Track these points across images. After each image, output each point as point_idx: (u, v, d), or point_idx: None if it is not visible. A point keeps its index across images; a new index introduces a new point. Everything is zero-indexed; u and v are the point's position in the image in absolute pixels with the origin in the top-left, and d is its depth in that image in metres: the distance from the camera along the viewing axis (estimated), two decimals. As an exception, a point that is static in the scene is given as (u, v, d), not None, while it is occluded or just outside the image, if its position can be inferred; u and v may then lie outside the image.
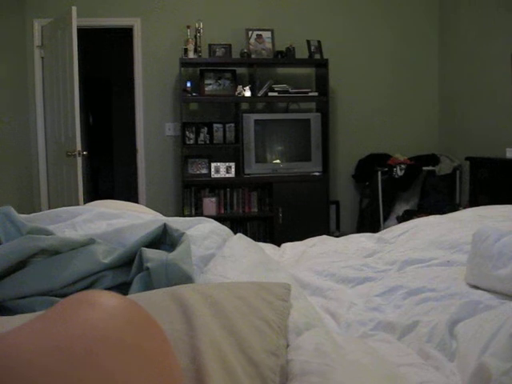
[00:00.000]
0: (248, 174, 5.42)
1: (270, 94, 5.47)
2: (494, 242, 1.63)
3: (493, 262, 1.59)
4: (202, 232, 1.60)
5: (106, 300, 0.62)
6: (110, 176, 8.48)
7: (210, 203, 5.42)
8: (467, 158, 5.13)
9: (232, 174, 5.47)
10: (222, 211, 5.49)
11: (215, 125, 5.53)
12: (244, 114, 5.46)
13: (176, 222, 1.57)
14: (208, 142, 5.52)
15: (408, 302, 1.59)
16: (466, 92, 5.63)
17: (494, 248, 1.62)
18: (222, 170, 5.46)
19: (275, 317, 1.00)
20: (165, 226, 1.46)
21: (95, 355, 0.54)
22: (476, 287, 1.64)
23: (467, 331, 1.37)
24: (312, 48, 5.58)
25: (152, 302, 0.94)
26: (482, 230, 1.73)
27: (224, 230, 1.76)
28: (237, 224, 5.49)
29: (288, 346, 0.97)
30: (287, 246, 2.49)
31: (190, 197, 5.45)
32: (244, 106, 5.68)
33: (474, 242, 1.71)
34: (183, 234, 1.43)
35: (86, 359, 0.53)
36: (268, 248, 2.36)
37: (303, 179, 5.41)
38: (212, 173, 5.46)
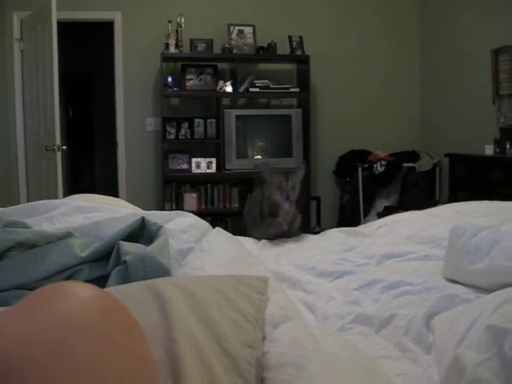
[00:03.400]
0: (229, 170, 5.41)
1: (252, 89, 5.46)
2: (471, 237, 1.65)
3: (469, 256, 1.61)
4: (181, 226, 1.59)
5: (80, 291, 0.62)
6: (90, 171, 8.42)
7: (190, 198, 5.41)
8: (447, 155, 5.18)
9: (213, 170, 5.46)
10: (203, 207, 5.48)
11: (196, 120, 5.52)
12: (225, 110, 5.45)
13: (154, 216, 1.56)
14: (189, 137, 5.51)
15: (386, 295, 1.60)
16: (447, 89, 5.67)
17: (470, 243, 1.63)
18: (202, 165, 5.45)
19: (252, 309, 1.00)
20: (143, 219, 1.45)
21: (69, 344, 0.54)
22: (453, 281, 1.65)
23: (443, 324, 1.38)
24: (294, 44, 5.58)
25: (129, 295, 0.93)
26: (458, 225, 1.75)
27: (203, 224, 1.75)
28: (218, 219, 5.48)
29: (264, 338, 0.97)
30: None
31: (170, 192, 5.43)
32: (225, 101, 5.67)
33: (451, 237, 1.73)
34: (161, 227, 1.42)
35: (60, 348, 0.54)
36: (248, 242, 2.36)
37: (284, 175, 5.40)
38: (193, 168, 5.45)
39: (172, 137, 5.46)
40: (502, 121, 4.85)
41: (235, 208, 5.51)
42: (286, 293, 1.23)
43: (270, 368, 0.88)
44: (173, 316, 0.88)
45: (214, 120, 5.53)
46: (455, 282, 1.64)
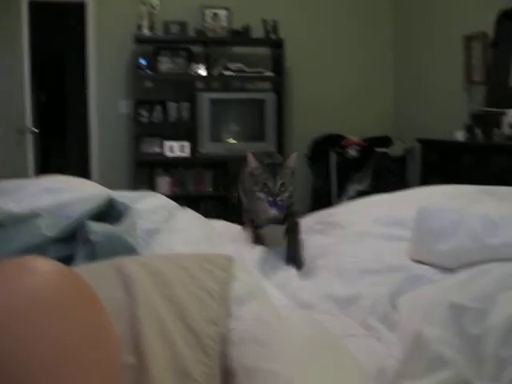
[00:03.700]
0: (202, 153, 5.39)
1: (226, 73, 5.44)
2: (437, 219, 1.67)
3: (435, 237, 1.63)
4: (149, 206, 1.59)
5: (41, 265, 0.63)
6: (62, 154, 8.31)
7: (163, 182, 5.39)
8: (418, 140, 5.23)
9: (186, 153, 5.44)
10: (176, 190, 5.46)
11: (170, 103, 5.49)
12: (199, 93, 5.42)
13: (123, 197, 1.56)
14: (162, 120, 5.47)
15: (352, 275, 1.62)
16: (420, 75, 5.72)
17: (436, 224, 1.66)
18: (176, 148, 5.42)
19: (216, 286, 1.01)
20: (110, 199, 1.45)
21: (31, 312, 0.57)
22: (420, 262, 1.68)
23: (408, 303, 1.40)
24: (268, 27, 5.57)
25: (92, 272, 0.93)
26: (425, 207, 1.77)
27: (171, 204, 1.75)
28: (191, 203, 5.42)
29: (229, 315, 0.98)
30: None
31: (143, 176, 5.40)
32: (199, 84, 5.65)
33: (418, 219, 1.75)
34: (129, 207, 1.42)
35: (21, 315, 0.56)
36: (220, 225, 2.36)
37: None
38: (166, 152, 5.42)
39: (145, 120, 5.43)
40: (472, 107, 4.91)
41: (208, 192, 5.51)
42: (253, 272, 1.24)
43: (233, 344, 0.89)
44: (136, 292, 0.88)
45: (187, 103, 5.50)
46: (422, 263, 1.66)
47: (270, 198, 1.82)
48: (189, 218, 1.64)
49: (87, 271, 0.91)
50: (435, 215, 1.69)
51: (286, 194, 1.87)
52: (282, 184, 1.85)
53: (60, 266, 0.65)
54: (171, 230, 1.48)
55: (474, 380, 1.05)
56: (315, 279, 1.66)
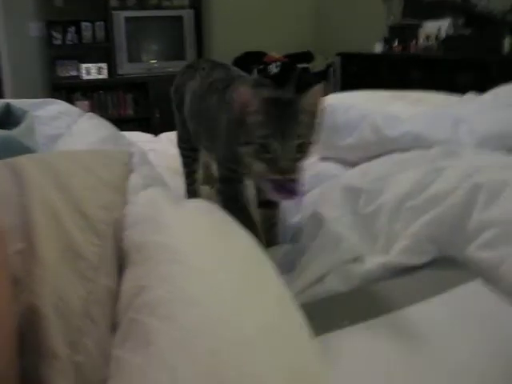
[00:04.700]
0: (121, 75, 5.24)
1: (140, -11, 5.24)
2: (341, 115, 1.72)
3: (339, 133, 1.68)
4: (51, 113, 1.56)
5: None
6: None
7: (82, 106, 5.22)
8: (338, 54, 5.25)
9: (104, 75, 5.27)
10: (97, 114, 5.30)
11: (83, 23, 5.23)
12: (113, 12, 5.20)
13: (23, 103, 1.51)
14: (77, 42, 5.23)
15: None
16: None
17: (340, 120, 1.70)
18: (93, 71, 5.24)
19: (113, 177, 1.01)
20: (8, 105, 1.40)
21: None
22: (325, 159, 1.73)
23: (313, 195, 1.45)
24: None
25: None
26: (330, 104, 1.80)
27: (75, 110, 1.72)
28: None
29: (126, 203, 0.99)
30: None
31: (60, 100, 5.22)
32: (113, 3, 5.39)
33: (325, 116, 1.79)
34: (27, 112, 1.38)
35: None
36: (138, 135, 2.36)
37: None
38: (83, 75, 5.23)
39: (58, 42, 5.18)
40: (391, 18, 4.96)
41: (130, 114, 5.40)
42: (154, 167, 1.25)
43: (128, 227, 0.90)
44: (27, 184, 0.87)
45: (102, 23, 5.26)
46: (327, 159, 1.72)
47: (277, 177, 1.04)
48: (93, 122, 1.62)
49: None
50: (340, 111, 1.73)
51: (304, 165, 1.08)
52: (301, 146, 1.05)
53: None
54: (74, 134, 1.45)
55: (367, 254, 1.12)
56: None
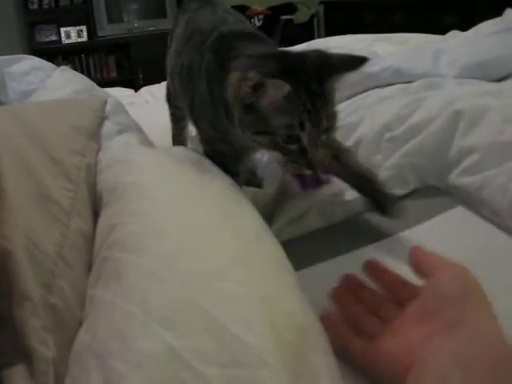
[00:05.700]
0: (102, 37, 5.14)
1: None
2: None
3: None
4: (23, 68, 1.52)
5: None
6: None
7: (65, 71, 5.14)
8: (321, 3, 5.16)
9: (85, 38, 5.17)
10: (80, 78, 5.23)
11: (59, -14, 5.12)
12: (89, -29, 5.07)
13: (-7, 61, 1.48)
14: (54, 5, 5.11)
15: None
16: None
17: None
18: (73, 34, 5.14)
19: (86, 124, 0.99)
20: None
21: None
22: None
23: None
24: None
25: None
26: (317, 48, 1.77)
27: (48, 65, 1.69)
28: (97, 91, 5.28)
29: (99, 149, 0.97)
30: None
31: (42, 66, 5.13)
32: (88, -38, 5.26)
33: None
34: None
35: None
36: (118, 90, 2.33)
37: (161, 37, 5.21)
38: (63, 39, 5.13)
39: (35, 6, 5.06)
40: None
41: (114, 77, 5.31)
42: (130, 115, 1.22)
43: (102, 170, 0.88)
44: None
45: (78, -17, 5.15)
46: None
47: (305, 172, 0.81)
48: (67, 74, 1.58)
49: None
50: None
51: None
52: (328, 131, 0.82)
53: None
54: (47, 88, 1.42)
55: (347, 189, 1.10)
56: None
